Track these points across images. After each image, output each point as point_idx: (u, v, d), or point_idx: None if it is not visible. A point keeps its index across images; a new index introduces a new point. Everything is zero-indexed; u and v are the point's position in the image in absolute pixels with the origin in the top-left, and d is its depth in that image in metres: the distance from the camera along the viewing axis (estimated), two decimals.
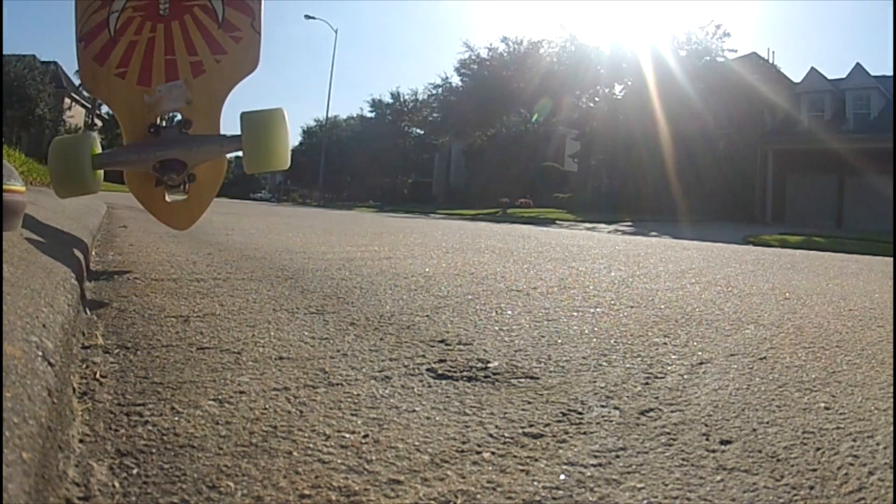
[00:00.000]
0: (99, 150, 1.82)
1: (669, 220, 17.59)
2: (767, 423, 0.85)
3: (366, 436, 0.73)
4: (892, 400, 0.99)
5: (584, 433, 0.78)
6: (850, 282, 3.05)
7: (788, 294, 2.33)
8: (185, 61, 1.87)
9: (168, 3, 1.86)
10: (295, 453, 0.66)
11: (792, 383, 1.06)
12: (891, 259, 5.63)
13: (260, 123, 1.78)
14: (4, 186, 1.42)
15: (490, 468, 0.66)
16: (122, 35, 1.86)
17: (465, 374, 1.01)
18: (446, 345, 1.20)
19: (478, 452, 0.70)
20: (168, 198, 1.98)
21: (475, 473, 0.65)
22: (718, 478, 0.67)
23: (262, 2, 1.95)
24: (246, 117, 1.80)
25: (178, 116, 1.92)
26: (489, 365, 1.06)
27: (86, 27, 1.87)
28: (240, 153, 1.85)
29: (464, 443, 0.72)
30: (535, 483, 0.63)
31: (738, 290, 2.38)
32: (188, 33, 1.87)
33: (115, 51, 1.85)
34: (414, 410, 0.82)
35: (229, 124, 1.92)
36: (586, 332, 1.40)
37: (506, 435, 0.76)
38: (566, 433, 0.77)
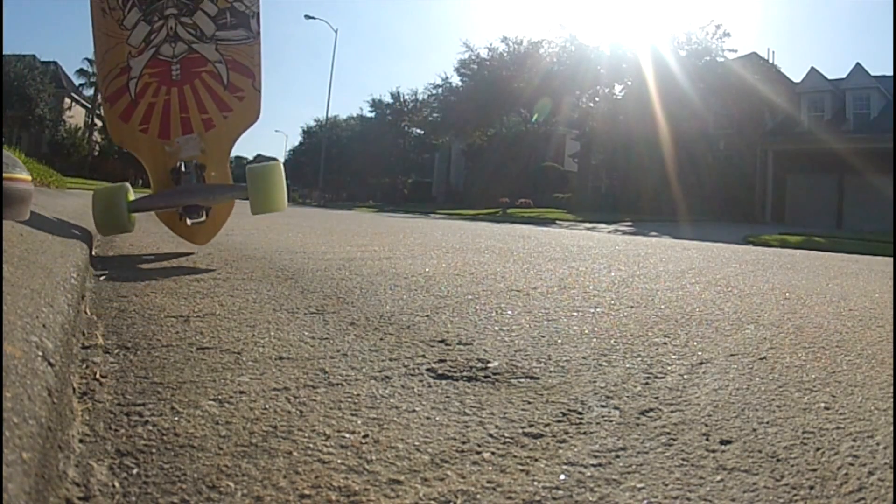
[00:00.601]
0: (133, 197, 2.23)
1: (669, 220, 17.59)
2: (767, 423, 0.85)
3: (366, 436, 0.73)
4: (892, 400, 0.99)
5: (584, 433, 0.78)
6: (850, 282, 3.05)
7: (788, 294, 2.33)
8: (198, 118, 2.23)
9: (179, 69, 2.20)
10: (295, 453, 0.66)
11: (792, 383, 1.06)
12: (891, 259, 5.63)
13: (261, 175, 2.19)
14: (11, 175, 1.43)
15: (490, 468, 0.66)
16: (142, 98, 2.20)
17: (465, 374, 1.01)
18: (446, 345, 1.20)
19: (478, 452, 0.70)
20: (188, 222, 2.31)
21: (475, 473, 0.65)
22: (718, 478, 0.67)
23: (262, 65, 2.28)
24: (250, 170, 2.18)
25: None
26: (489, 365, 1.06)
27: (109, 90, 2.19)
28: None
29: (464, 443, 0.72)
30: (535, 483, 0.63)
31: (738, 290, 2.38)
32: (198, 95, 2.22)
33: (136, 111, 2.19)
34: (414, 410, 0.82)
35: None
36: (586, 332, 1.40)
37: (506, 435, 0.76)
38: (566, 433, 0.77)
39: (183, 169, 2.24)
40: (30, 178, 1.64)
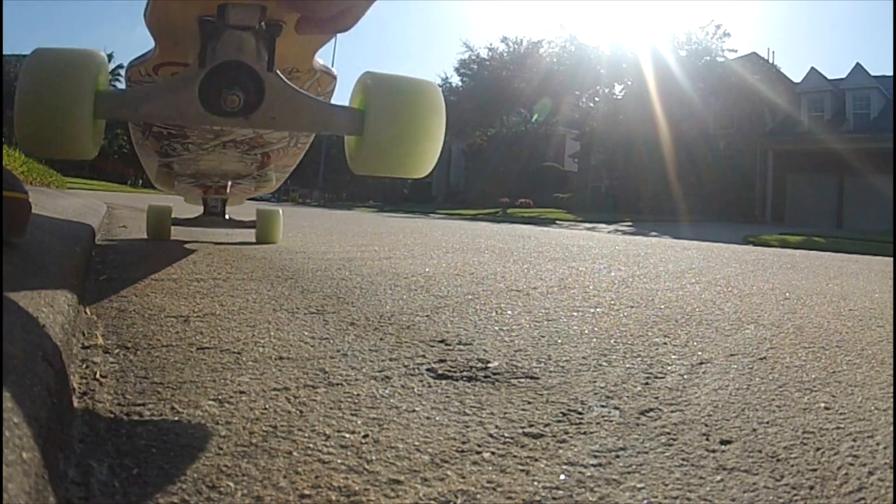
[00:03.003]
0: (174, 215, 3.00)
1: (669, 220, 17.58)
2: (767, 423, 0.85)
3: (366, 436, 0.73)
4: (892, 400, 0.99)
5: (584, 433, 0.78)
6: (850, 282, 3.05)
7: (788, 294, 2.33)
8: (228, 196, 2.95)
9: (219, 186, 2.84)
10: (295, 453, 0.66)
11: (792, 383, 1.06)
12: (891, 259, 5.63)
13: (266, 218, 3.20)
14: (7, 194, 1.42)
15: (490, 468, 0.66)
16: (187, 192, 2.99)
17: (465, 374, 1.01)
18: (446, 345, 1.20)
19: (478, 452, 0.70)
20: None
21: (475, 473, 0.65)
22: (718, 478, 0.67)
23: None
24: (258, 212, 3.15)
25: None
26: (489, 365, 1.06)
27: (158, 182, 2.77)
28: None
29: (464, 443, 0.72)
30: (535, 483, 0.63)
31: (739, 290, 2.38)
32: (233, 193, 2.95)
33: (178, 187, 2.85)
34: (414, 410, 0.82)
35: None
36: (586, 332, 1.40)
37: (506, 435, 0.76)
38: (566, 433, 0.77)
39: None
40: (27, 195, 1.62)
